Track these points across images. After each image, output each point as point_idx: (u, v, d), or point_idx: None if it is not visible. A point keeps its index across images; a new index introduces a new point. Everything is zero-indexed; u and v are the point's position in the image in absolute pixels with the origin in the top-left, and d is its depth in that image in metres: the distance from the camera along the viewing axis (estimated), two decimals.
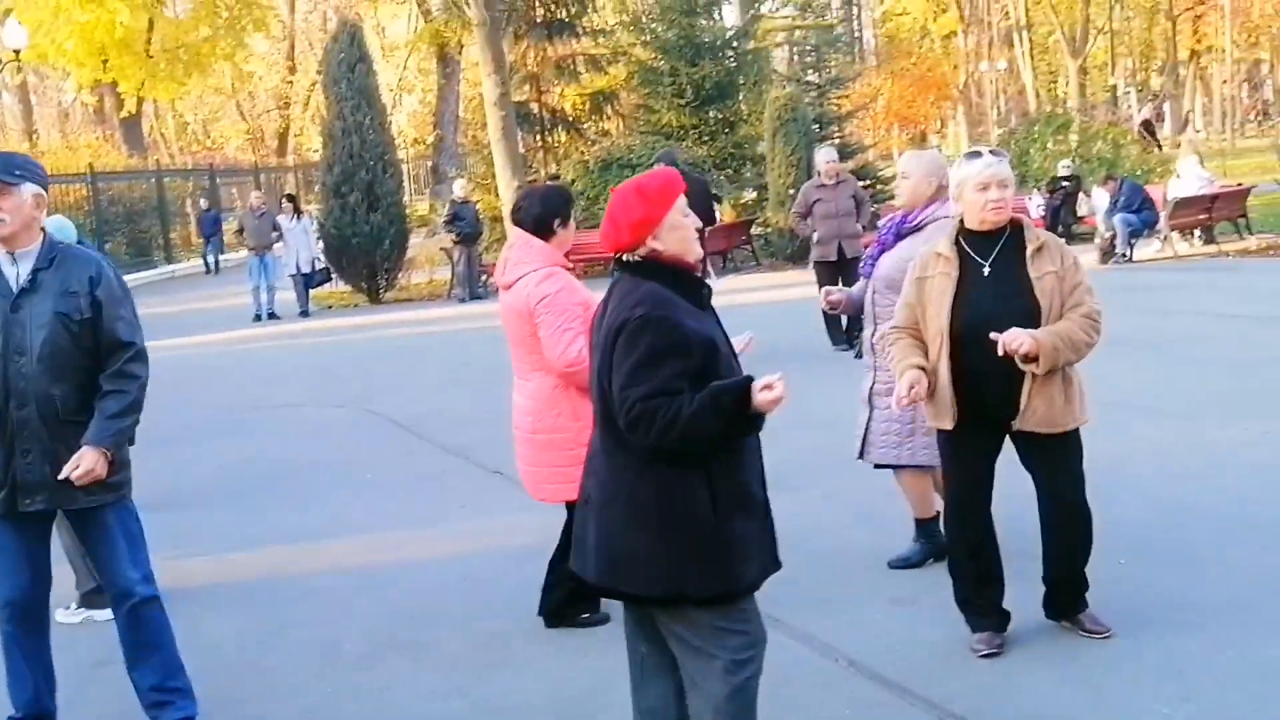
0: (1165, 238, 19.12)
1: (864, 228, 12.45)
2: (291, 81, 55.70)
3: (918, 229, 5.61)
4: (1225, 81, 55.97)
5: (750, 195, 25.92)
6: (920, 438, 5.52)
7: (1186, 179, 20.40)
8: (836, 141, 26.37)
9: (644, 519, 3.41)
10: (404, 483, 8.45)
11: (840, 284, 11.90)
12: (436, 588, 6.20)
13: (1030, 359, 4.45)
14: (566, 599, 5.38)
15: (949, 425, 4.70)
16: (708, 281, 3.77)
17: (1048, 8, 49.03)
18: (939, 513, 5.63)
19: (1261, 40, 52.97)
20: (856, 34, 69.28)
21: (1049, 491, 4.79)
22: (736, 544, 3.45)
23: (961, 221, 4.76)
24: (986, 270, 4.64)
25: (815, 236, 12.41)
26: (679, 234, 3.52)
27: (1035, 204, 21.35)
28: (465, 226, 20.58)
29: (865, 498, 6.93)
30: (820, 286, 11.99)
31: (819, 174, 12.79)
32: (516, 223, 5.32)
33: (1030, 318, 4.52)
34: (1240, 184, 22.07)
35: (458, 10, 29.03)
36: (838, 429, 8.80)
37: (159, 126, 56.76)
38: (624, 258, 3.52)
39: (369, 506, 7.93)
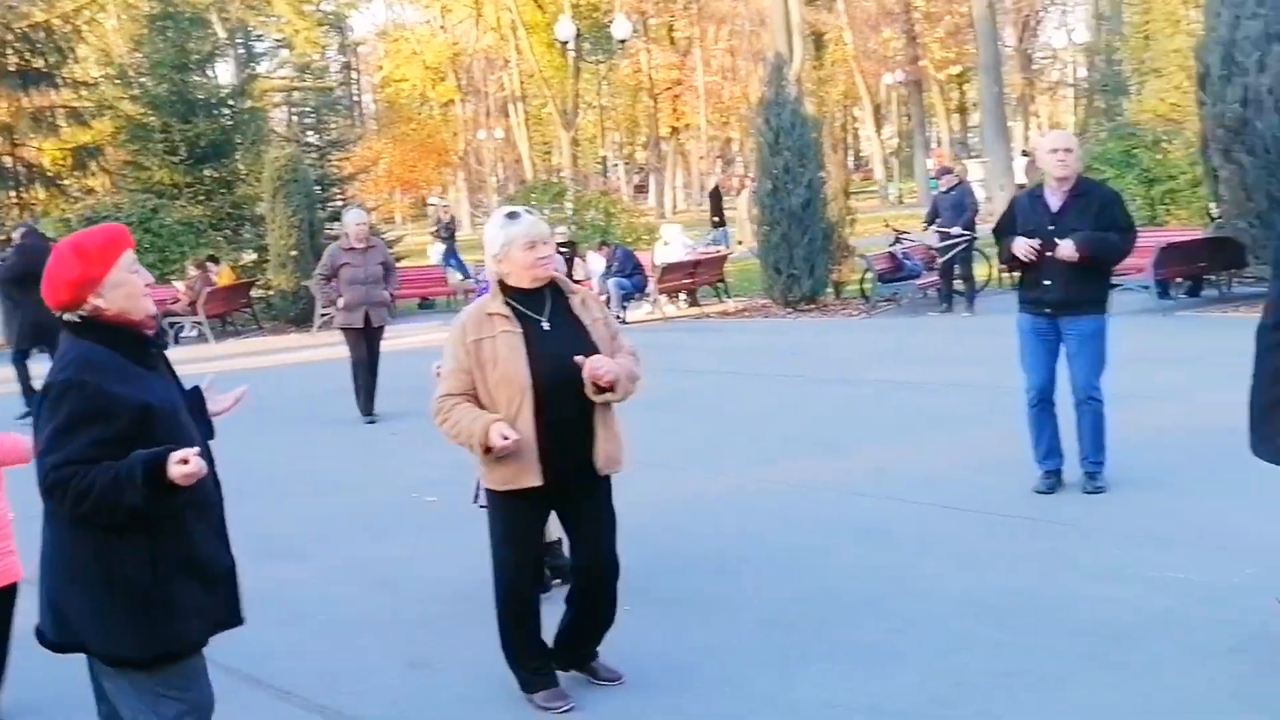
0: (654, 300, 20.37)
1: (392, 296, 12.07)
2: None
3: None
4: (702, 157, 60.55)
5: (250, 257, 25.21)
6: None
7: (672, 246, 21.85)
8: (339, 204, 26.21)
9: (81, 579, 3.36)
10: None
11: (367, 351, 11.75)
12: None
13: (607, 388, 4.56)
14: None
15: (537, 482, 4.59)
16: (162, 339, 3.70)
17: (540, 82, 51.15)
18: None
19: (731, 119, 57.77)
20: (356, 98, 69.42)
21: (594, 544, 4.82)
22: (178, 605, 3.39)
23: (502, 282, 4.74)
24: (546, 325, 4.68)
25: (340, 302, 11.71)
26: (124, 290, 3.40)
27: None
28: None
29: (379, 560, 6.86)
30: (352, 352, 11.82)
31: (347, 236, 12.04)
32: None
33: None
34: (719, 250, 23.90)
35: None
36: (355, 493, 8.79)
37: None
38: (64, 317, 3.38)
39: None
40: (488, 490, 4.80)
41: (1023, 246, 7.12)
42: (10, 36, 25.71)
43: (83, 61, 29.65)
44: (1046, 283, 7.18)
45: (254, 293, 22.94)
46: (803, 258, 18.86)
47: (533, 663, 4.86)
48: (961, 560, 6.31)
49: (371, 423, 11.68)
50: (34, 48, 26.12)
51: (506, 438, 4.46)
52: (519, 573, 4.81)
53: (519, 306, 4.69)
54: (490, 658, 4.97)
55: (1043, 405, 7.38)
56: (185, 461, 3.21)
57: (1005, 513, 7.13)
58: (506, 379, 4.59)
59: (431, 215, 27.53)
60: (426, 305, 23.93)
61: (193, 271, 21.40)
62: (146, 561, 3.34)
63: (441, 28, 61.31)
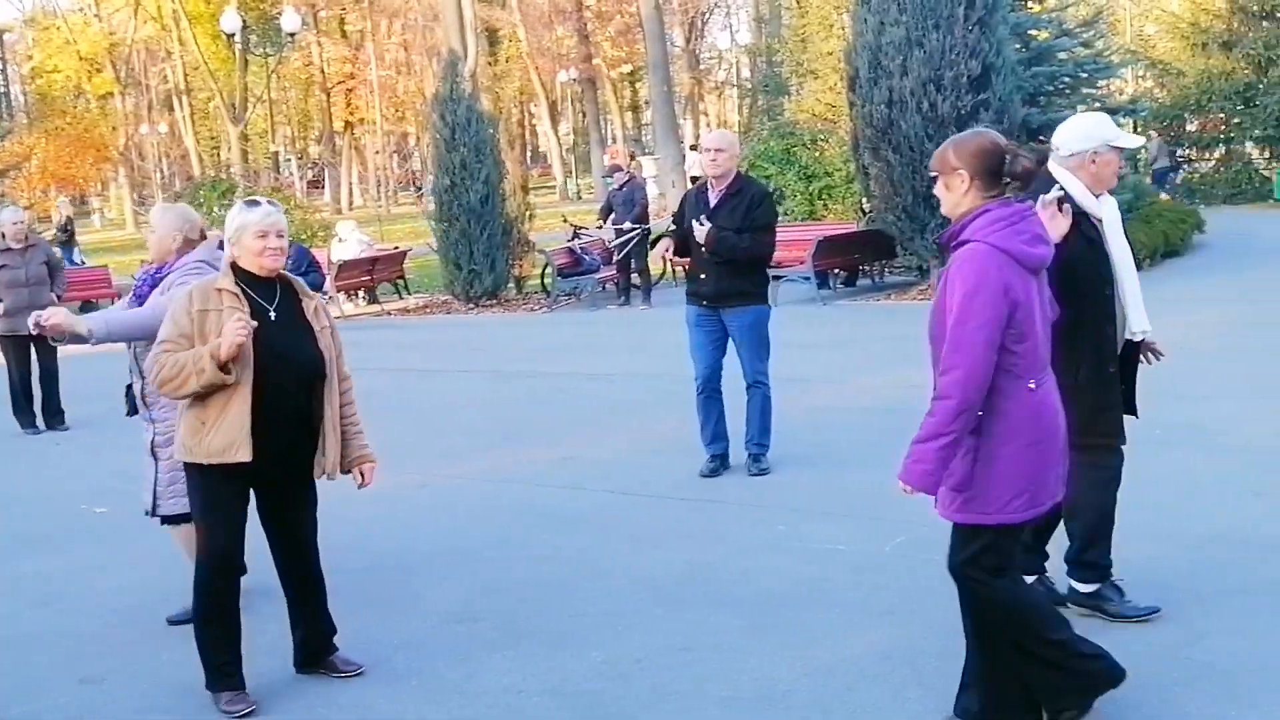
0: (332, 298, 20.05)
1: (58, 298, 11.22)
2: None
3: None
4: (378, 152, 59.76)
5: None
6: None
7: (348, 242, 21.55)
8: None
9: None
10: None
11: (40, 358, 11.03)
12: None
13: None
14: None
15: (246, 458, 4.62)
16: None
17: (206, 74, 49.26)
18: None
19: (408, 115, 57.27)
20: (3, 89, 65.00)
21: (298, 539, 5.02)
22: None
23: (235, 264, 4.80)
24: (273, 314, 4.77)
25: (1, 308, 10.90)
26: None
27: None
28: None
29: (45, 575, 6.57)
30: (12, 363, 11.08)
31: (3, 237, 11.16)
32: None
33: (318, 363, 4.82)
34: (397, 247, 23.74)
35: None
36: (18, 506, 8.34)
37: None
38: None
39: None
40: (187, 465, 4.80)
41: (664, 245, 7.65)
42: None
43: None
44: (703, 276, 7.65)
45: None
46: (483, 253, 19.01)
47: (222, 658, 4.85)
48: (637, 542, 6.61)
49: (36, 433, 11.15)
50: None
51: (242, 324, 4.54)
52: (224, 564, 4.81)
53: (249, 290, 4.78)
54: (168, 670, 4.87)
55: (708, 392, 7.79)
56: None
57: (679, 495, 7.49)
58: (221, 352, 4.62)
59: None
60: (89, 306, 22.74)
61: None
62: None
63: (96, 16, 58.06)
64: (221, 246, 5.22)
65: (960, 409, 3.74)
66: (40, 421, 11.25)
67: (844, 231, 17.96)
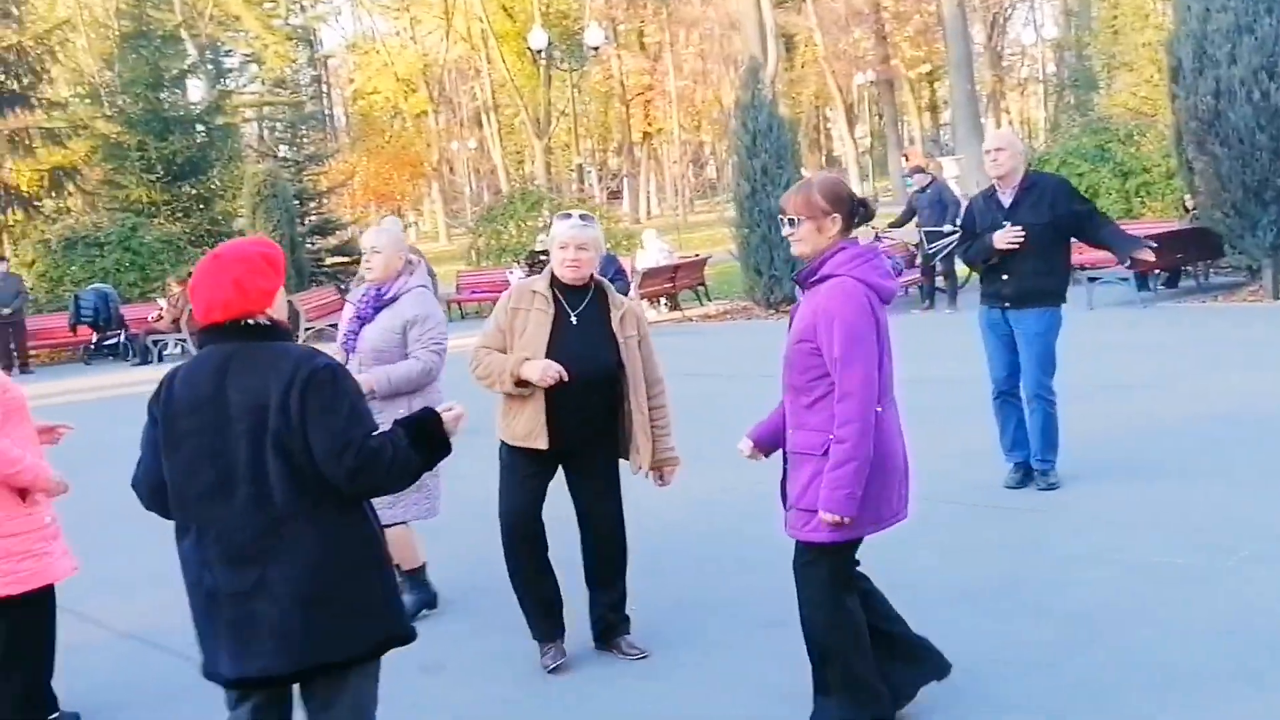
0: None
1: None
2: None
3: (395, 299, 5.96)
4: (675, 161, 60.75)
5: None
6: (410, 494, 5.67)
7: (650, 251, 21.95)
8: (319, 217, 26.24)
9: (344, 575, 3.37)
10: None
11: None
12: None
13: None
14: (18, 715, 4.97)
15: (543, 446, 5.08)
16: None
17: (513, 91, 51.26)
18: (424, 563, 6.15)
19: (704, 124, 58.02)
20: (328, 111, 69.34)
21: (599, 517, 5.30)
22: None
23: (553, 272, 5.18)
24: (574, 319, 5.11)
25: None
26: (281, 301, 3.53)
27: (516, 276, 22.18)
28: None
29: None
30: None
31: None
32: None
33: (609, 369, 5.12)
34: (698, 255, 24.04)
35: None
36: None
37: None
38: (248, 321, 3.41)
39: None
40: (501, 442, 5.22)
41: (1006, 235, 7.24)
42: None
43: (55, 82, 29.63)
44: (1005, 277, 7.33)
45: None
46: (784, 260, 18.96)
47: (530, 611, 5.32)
48: (946, 552, 6.44)
49: None
50: (7, 69, 26.09)
51: (546, 370, 4.94)
52: (511, 513, 5.21)
53: (560, 296, 5.09)
54: (496, 663, 5.06)
55: (1004, 398, 7.53)
56: (450, 410, 3.57)
57: (987, 503, 7.28)
58: (523, 351, 5.06)
59: None
60: None
61: (175, 289, 21.38)
62: (381, 541, 3.55)
63: (412, 39, 61.33)
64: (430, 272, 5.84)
65: (865, 431, 4.02)
66: None
67: (1165, 230, 17.05)
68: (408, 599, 6.05)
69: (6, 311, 20.54)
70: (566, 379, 4.97)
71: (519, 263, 23.03)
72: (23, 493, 4.90)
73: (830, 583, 4.21)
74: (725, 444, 9.58)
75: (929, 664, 4.48)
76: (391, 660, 5.41)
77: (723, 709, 4.81)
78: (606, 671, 5.25)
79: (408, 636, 3.56)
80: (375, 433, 3.37)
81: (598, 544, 5.32)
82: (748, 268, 19.63)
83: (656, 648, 5.42)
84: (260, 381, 3.30)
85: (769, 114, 19.37)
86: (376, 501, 5.74)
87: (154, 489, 3.50)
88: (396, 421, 3.51)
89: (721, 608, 5.93)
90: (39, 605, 4.96)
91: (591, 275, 5.20)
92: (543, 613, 5.29)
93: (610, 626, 5.37)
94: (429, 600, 6.18)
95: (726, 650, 5.38)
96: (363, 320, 6.00)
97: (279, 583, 3.30)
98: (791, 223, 4.23)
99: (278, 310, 3.49)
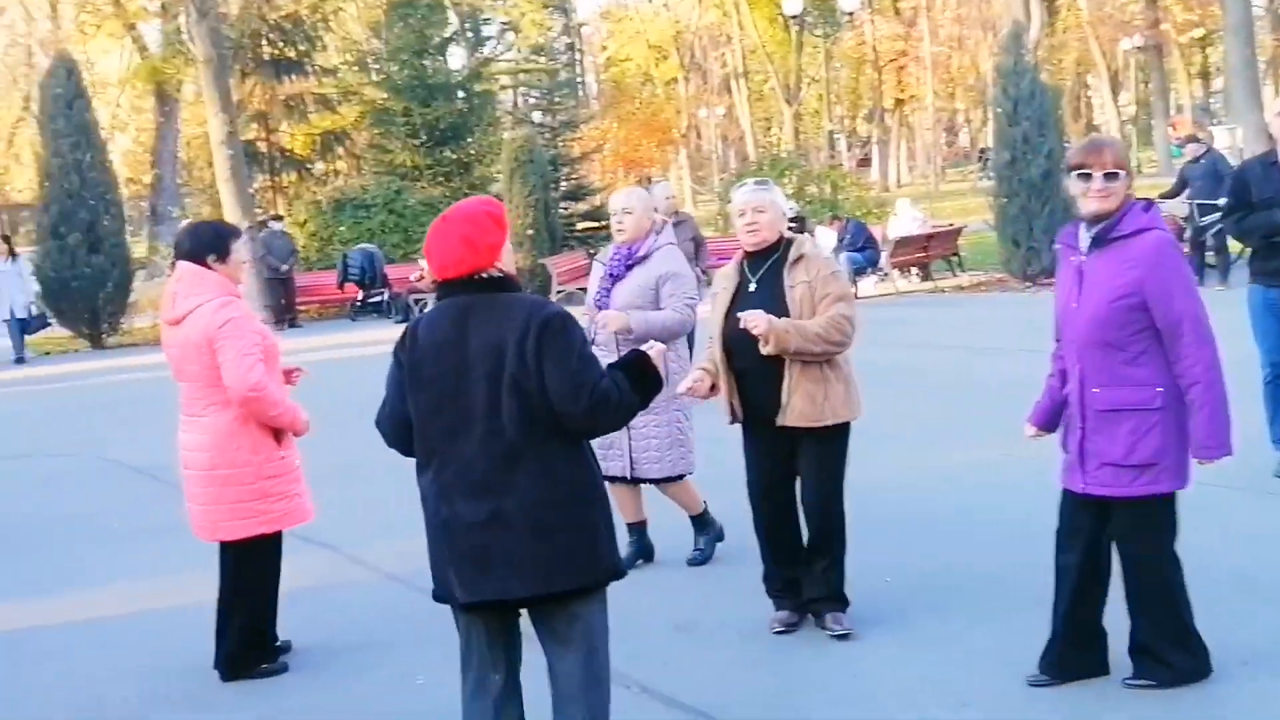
0: (886, 275, 20.17)
1: (703, 271, 11.32)
2: None
3: (646, 258, 6.11)
4: (928, 129, 59.41)
5: None
6: (675, 449, 6.09)
7: (903, 219, 21.59)
8: (571, 183, 26.76)
9: (588, 509, 3.64)
10: (141, 532, 8.04)
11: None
12: (184, 640, 5.92)
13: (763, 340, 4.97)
14: (242, 647, 5.31)
15: (727, 421, 5.28)
16: None
17: (763, 57, 50.98)
18: (705, 502, 6.42)
19: (958, 91, 56.53)
20: (580, 79, 70.43)
21: (805, 488, 5.26)
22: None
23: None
24: (753, 286, 5.19)
25: None
26: (509, 255, 3.74)
27: None
28: None
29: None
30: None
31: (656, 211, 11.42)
32: (179, 258, 5.32)
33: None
34: (953, 224, 23.51)
35: (180, 47, 28.10)
36: None
37: None
38: (482, 275, 3.64)
39: (108, 558, 7.54)
40: None
41: None
42: (265, 27, 27.09)
43: (327, 50, 31.01)
44: None
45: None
46: (1042, 230, 18.32)
47: (773, 582, 5.42)
48: (1230, 537, 6.16)
49: None
50: (286, 37, 27.45)
51: (691, 385, 5.18)
52: (754, 499, 5.36)
53: (744, 266, 5.26)
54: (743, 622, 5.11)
55: (1277, 383, 7.08)
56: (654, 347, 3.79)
57: (1267, 490, 6.95)
58: (712, 330, 5.29)
59: None
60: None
61: None
62: (599, 481, 3.76)
63: (664, 6, 61.62)
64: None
65: (1220, 366, 4.24)
66: None
67: None
68: (701, 542, 6.43)
69: (283, 269, 21.71)
70: (702, 391, 5.17)
71: None
72: (277, 435, 5.20)
73: (1170, 534, 4.35)
74: (979, 418, 9.44)
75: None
76: (644, 619, 5.59)
77: (966, 681, 4.74)
78: (875, 640, 5.22)
79: (622, 572, 3.78)
80: (604, 375, 3.61)
81: (805, 514, 5.30)
82: (1005, 238, 19.10)
83: (906, 619, 5.37)
84: (497, 329, 3.55)
85: (1031, 80, 18.77)
86: (643, 457, 6.02)
87: (396, 427, 3.76)
88: (611, 365, 3.72)
89: (971, 583, 5.83)
90: (268, 545, 5.28)
91: (780, 237, 5.23)
92: (776, 578, 5.39)
93: (819, 600, 5.30)
94: (718, 535, 6.46)
95: (980, 625, 5.29)
96: (615, 278, 6.18)
97: (512, 514, 3.54)
98: (1110, 177, 4.21)
99: (506, 263, 3.71)
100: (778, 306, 5.03)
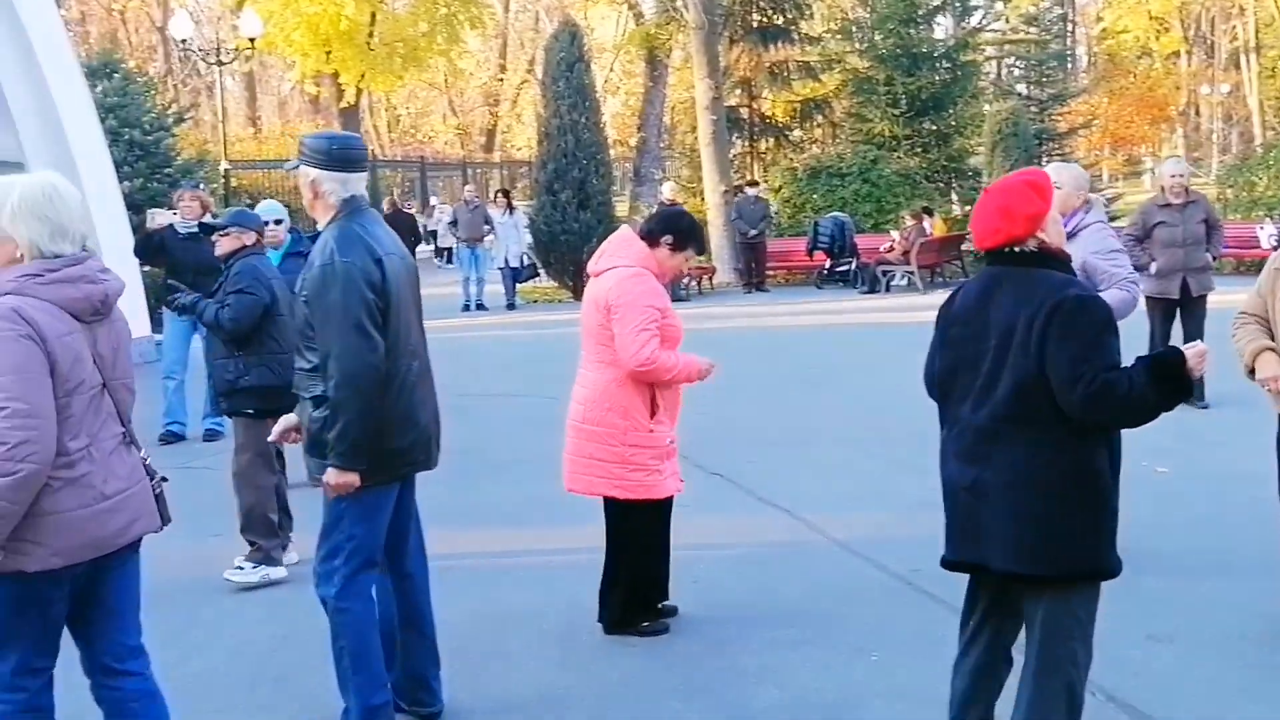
0: None
1: (1214, 259, 10.38)
2: (502, 79, 56.81)
3: (1073, 235, 5.77)
4: None
5: (958, 210, 25.35)
6: None
7: None
8: (1057, 158, 25.61)
9: (1068, 498, 3.53)
10: None
11: (1185, 323, 9.96)
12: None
13: None
14: (627, 605, 5.46)
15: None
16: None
17: None
18: None
19: None
20: (1070, 50, 67.34)
21: None
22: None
23: None
24: None
25: (1153, 267, 9.95)
26: (1057, 227, 3.75)
27: (1266, 233, 20.35)
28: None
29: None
30: (1153, 327, 10.10)
31: (1163, 190, 10.29)
32: (644, 228, 5.46)
33: None
34: None
35: (674, 13, 29.14)
36: None
37: (373, 119, 58.48)
38: (1016, 249, 3.66)
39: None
40: None
41: None
42: None
43: (813, 18, 31.20)
44: None
45: (964, 246, 23.03)
46: None
47: None
48: None
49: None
50: (775, 5, 27.83)
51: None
52: None
53: None
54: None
55: None
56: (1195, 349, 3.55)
57: None
58: None
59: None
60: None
61: (909, 222, 21.84)
62: (1110, 476, 3.60)
63: None
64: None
65: None
66: None
67: None
68: None
69: (752, 233, 22.10)
70: None
71: (1271, 218, 21.06)
72: (654, 408, 5.25)
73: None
74: None
75: None
76: (1118, 625, 5.21)
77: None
78: None
79: (1107, 572, 3.63)
80: (1118, 366, 3.47)
81: None
82: None
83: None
84: (1013, 305, 3.57)
85: None
86: None
87: (929, 380, 3.94)
88: (1139, 358, 3.56)
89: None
90: (648, 511, 5.37)
91: None
92: None
93: None
94: None
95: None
96: None
97: (991, 486, 3.60)
98: None
99: (1051, 234, 3.68)
100: None
